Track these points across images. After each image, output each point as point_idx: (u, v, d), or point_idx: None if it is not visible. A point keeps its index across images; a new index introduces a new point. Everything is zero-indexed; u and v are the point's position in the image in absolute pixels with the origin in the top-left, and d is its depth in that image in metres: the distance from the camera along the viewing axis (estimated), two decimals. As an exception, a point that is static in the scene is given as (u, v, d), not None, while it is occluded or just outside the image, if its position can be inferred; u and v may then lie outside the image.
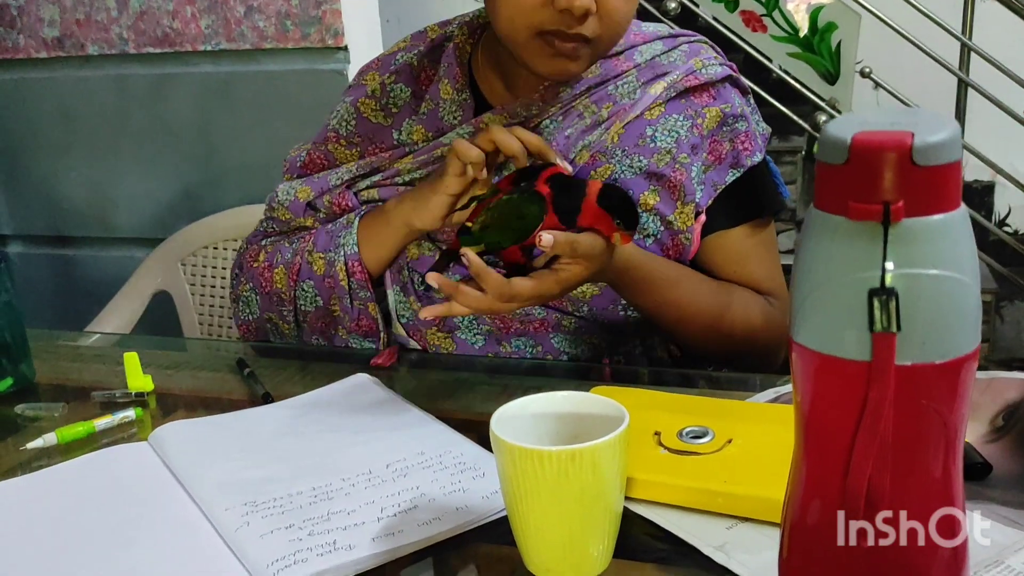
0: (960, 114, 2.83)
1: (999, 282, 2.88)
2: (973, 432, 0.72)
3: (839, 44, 2.62)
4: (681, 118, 0.94)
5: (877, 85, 2.81)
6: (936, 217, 0.38)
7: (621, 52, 0.96)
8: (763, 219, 0.98)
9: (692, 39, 1.00)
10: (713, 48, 1.00)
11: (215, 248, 1.50)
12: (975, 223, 2.89)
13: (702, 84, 0.95)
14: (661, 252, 0.94)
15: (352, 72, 1.44)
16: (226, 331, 1.49)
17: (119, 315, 1.47)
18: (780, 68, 2.71)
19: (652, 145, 0.93)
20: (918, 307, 0.38)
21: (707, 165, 0.95)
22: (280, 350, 1.06)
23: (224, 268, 1.49)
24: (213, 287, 1.50)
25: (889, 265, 0.37)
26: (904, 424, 0.39)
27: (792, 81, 2.69)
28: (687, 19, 2.77)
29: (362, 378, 0.90)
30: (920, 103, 2.86)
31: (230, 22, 1.64)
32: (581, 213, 0.78)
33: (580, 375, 0.94)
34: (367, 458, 0.73)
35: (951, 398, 0.39)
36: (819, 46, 2.63)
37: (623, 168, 0.93)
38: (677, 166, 0.93)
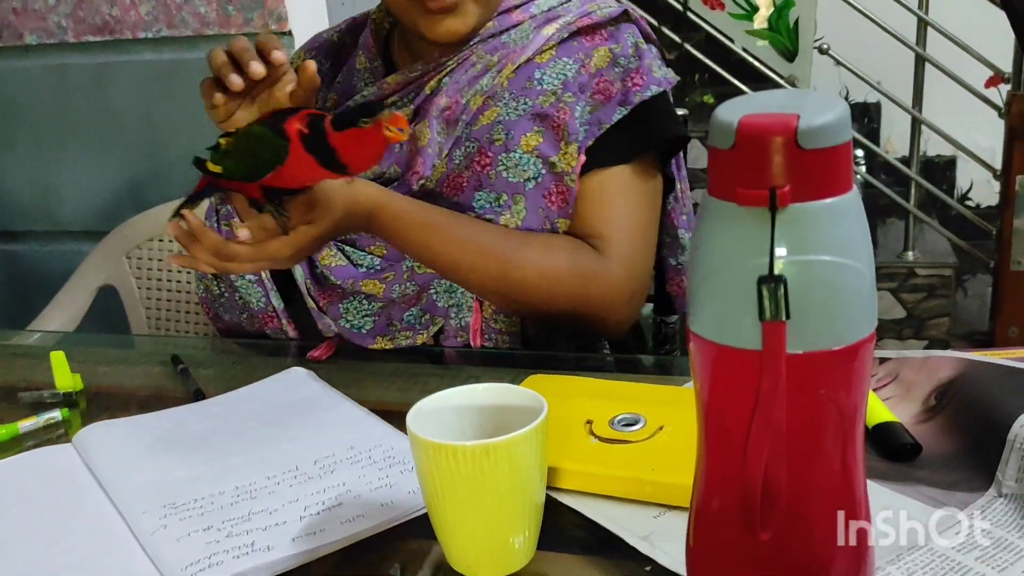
0: (919, 89, 2.84)
1: (960, 256, 2.91)
2: (906, 412, 0.72)
3: (797, 21, 2.61)
4: (571, 61, 0.94)
5: (837, 62, 2.81)
6: (825, 201, 0.36)
7: (519, 6, 0.96)
8: (639, 160, 0.94)
9: None
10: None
11: (161, 240, 1.47)
12: (937, 199, 2.91)
13: (594, 24, 0.95)
14: (543, 198, 0.91)
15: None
16: (174, 325, 1.47)
17: (64, 311, 1.44)
18: (742, 48, 2.71)
19: (539, 87, 0.93)
20: (809, 294, 0.37)
21: (593, 105, 0.93)
22: (219, 345, 1.04)
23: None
24: (160, 280, 1.47)
25: (779, 251, 0.36)
26: (800, 412, 0.38)
27: (751, 59, 2.69)
28: (646, -1, 2.76)
29: (297, 372, 0.88)
30: (880, 79, 2.87)
31: (170, 8, 1.60)
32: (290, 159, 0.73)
33: (521, 363, 0.93)
34: (296, 455, 0.71)
35: (847, 385, 0.38)
36: (777, 23, 2.63)
37: (509, 111, 0.93)
38: (561, 106, 0.92)
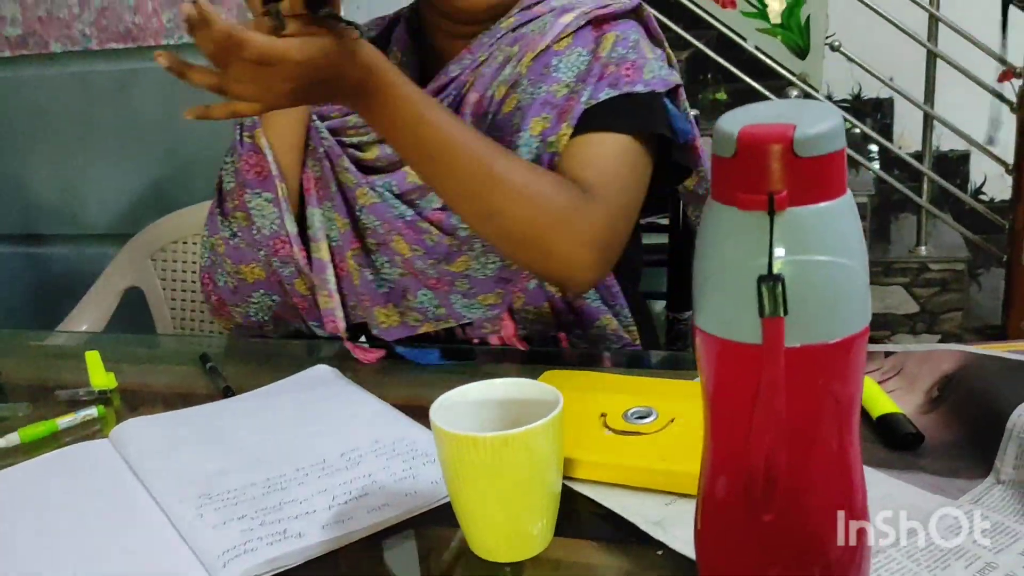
0: (931, 84, 2.85)
1: (973, 251, 2.91)
2: (909, 403, 0.75)
3: (808, 18, 2.63)
4: (584, 51, 0.96)
5: (849, 59, 2.83)
6: (820, 205, 0.39)
7: (539, 2, 1.00)
8: (627, 135, 0.93)
9: None
10: None
11: (184, 243, 1.51)
12: (950, 194, 2.92)
13: (608, 14, 0.98)
14: None
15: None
16: (198, 325, 1.50)
17: (91, 312, 1.48)
18: (754, 46, 2.73)
19: (555, 75, 0.95)
20: (805, 291, 0.39)
21: (594, 87, 0.95)
22: (246, 343, 1.07)
23: (195, 262, 1.50)
24: (184, 281, 1.51)
25: (778, 252, 0.39)
26: (799, 402, 0.41)
27: (763, 57, 2.70)
28: (657, -2, 2.78)
29: (322, 369, 0.91)
30: (892, 75, 2.88)
31: None
32: None
33: (537, 359, 0.96)
34: (322, 448, 0.75)
35: (843, 375, 0.41)
36: (788, 21, 2.64)
37: (526, 96, 0.95)
38: (572, 95, 0.94)
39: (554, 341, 1.00)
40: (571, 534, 0.62)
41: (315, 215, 0.98)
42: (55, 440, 0.83)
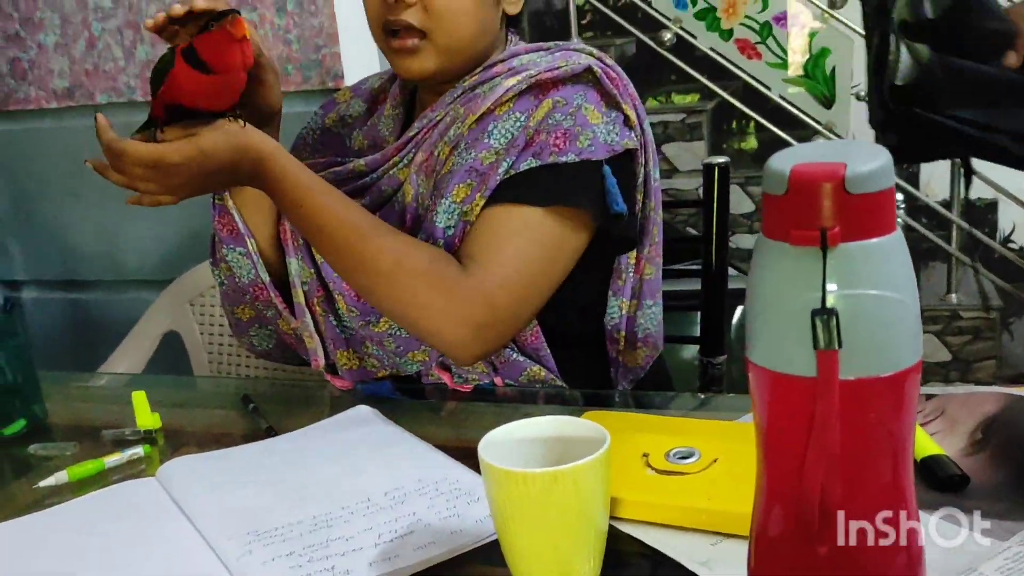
0: (957, 133, 2.85)
1: (1005, 299, 2.89)
2: (953, 446, 0.74)
3: (834, 69, 2.66)
4: (521, 116, 0.93)
5: (874, 108, 2.84)
6: (872, 241, 0.40)
7: (503, 60, 1.00)
8: (542, 208, 0.91)
9: (575, 47, 1.00)
10: (596, 56, 0.98)
11: (222, 288, 1.54)
12: (979, 241, 2.91)
13: (554, 78, 0.94)
14: (455, 246, 0.94)
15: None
16: (234, 368, 1.52)
17: (130, 356, 1.51)
18: (780, 96, 2.76)
19: (487, 141, 0.93)
20: (858, 325, 0.40)
21: (517, 156, 0.93)
22: (285, 385, 1.09)
23: (232, 307, 1.53)
24: (221, 326, 1.54)
25: (830, 287, 0.40)
26: (852, 435, 0.41)
27: (789, 107, 2.73)
28: (684, 50, 2.83)
29: (363, 410, 0.92)
30: (917, 124, 2.89)
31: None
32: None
33: (573, 401, 0.96)
34: (366, 487, 0.75)
35: (896, 409, 0.42)
36: (814, 71, 2.67)
37: (459, 160, 0.95)
38: (493, 165, 0.93)
39: (491, 385, 0.99)
40: (618, 574, 0.62)
41: (292, 264, 1.00)
42: (102, 478, 0.84)
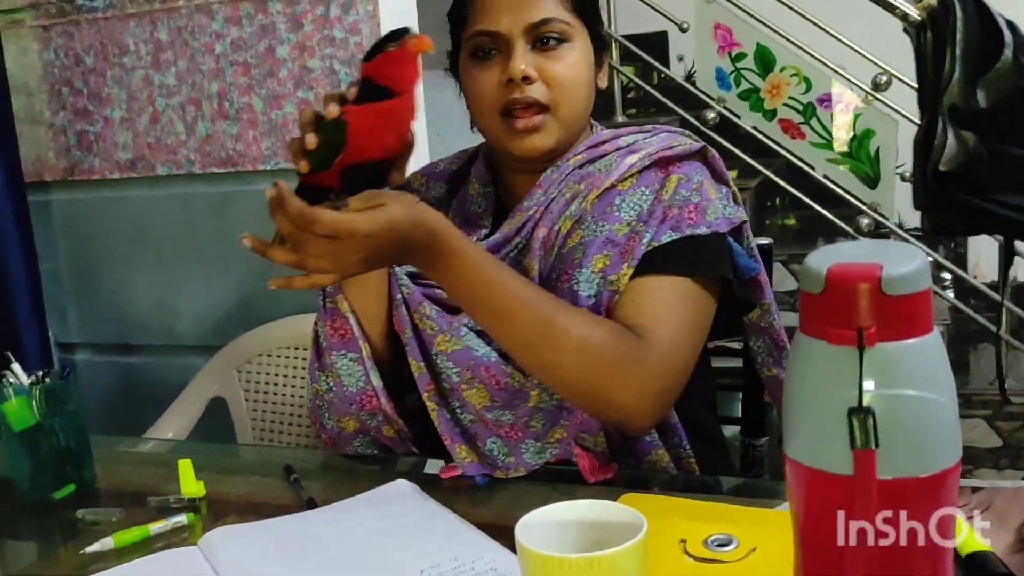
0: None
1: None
2: (1000, 542, 0.73)
3: (878, 149, 2.67)
4: (647, 191, 0.99)
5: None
6: (909, 341, 0.41)
7: (607, 141, 1.04)
8: (688, 278, 0.95)
9: (671, 129, 1.07)
10: (691, 137, 1.05)
11: (269, 356, 1.57)
12: (1028, 324, 2.85)
13: (673, 156, 1.01)
14: (599, 312, 0.95)
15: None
16: (276, 436, 1.54)
17: (177, 420, 1.54)
18: (823, 176, 2.76)
19: (617, 214, 0.98)
20: (896, 425, 0.41)
21: (656, 229, 0.97)
22: (325, 457, 1.10)
23: (277, 375, 1.56)
24: (267, 393, 1.56)
25: (867, 386, 0.41)
26: (891, 534, 0.41)
27: (832, 186, 2.74)
28: (727, 128, 2.86)
29: (402, 484, 0.93)
30: (964, 205, 2.87)
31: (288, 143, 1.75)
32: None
33: (610, 481, 0.96)
34: (402, 562, 0.76)
35: (935, 509, 0.42)
36: (858, 152, 2.68)
37: (589, 232, 0.98)
38: (633, 235, 0.97)
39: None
40: (653, 662, 0.61)
41: (413, 363, 0.99)
42: (146, 545, 0.86)
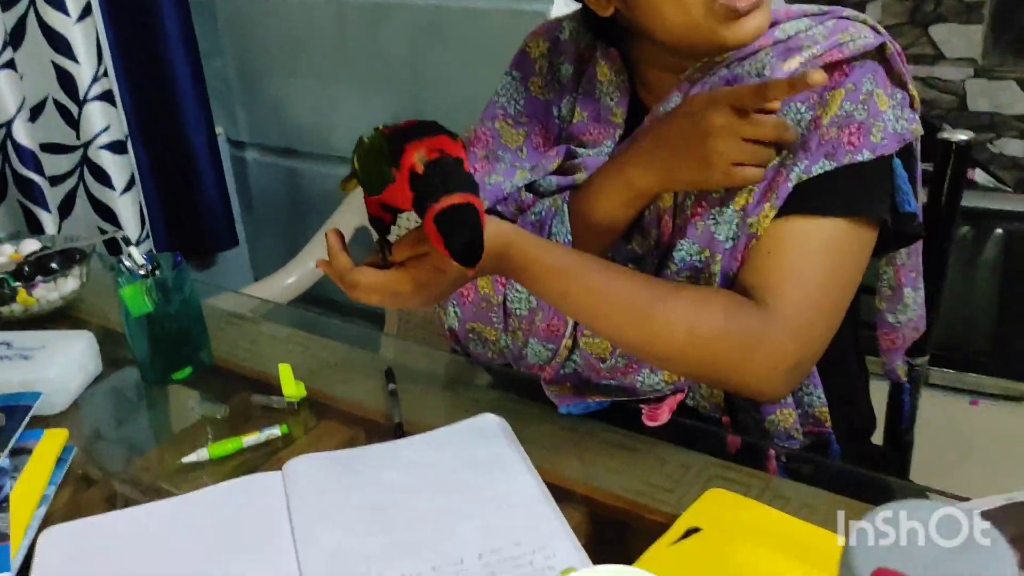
0: None
1: None
2: None
3: None
4: (804, 108, 0.82)
5: None
6: None
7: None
8: (843, 221, 0.81)
9: (846, 14, 0.86)
10: (869, 24, 0.85)
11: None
12: None
13: (844, 59, 0.82)
14: (735, 260, 0.83)
15: (554, 14, 1.41)
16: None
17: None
18: None
19: None
20: None
21: (809, 158, 0.82)
22: (431, 363, 1.09)
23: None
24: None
25: None
26: None
27: None
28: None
29: (489, 419, 0.90)
30: None
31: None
32: (426, 214, 0.71)
33: (721, 441, 0.87)
34: (464, 543, 0.74)
35: None
36: None
37: None
38: (780, 166, 0.81)
39: (716, 423, 0.91)
40: None
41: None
42: (240, 456, 0.89)
